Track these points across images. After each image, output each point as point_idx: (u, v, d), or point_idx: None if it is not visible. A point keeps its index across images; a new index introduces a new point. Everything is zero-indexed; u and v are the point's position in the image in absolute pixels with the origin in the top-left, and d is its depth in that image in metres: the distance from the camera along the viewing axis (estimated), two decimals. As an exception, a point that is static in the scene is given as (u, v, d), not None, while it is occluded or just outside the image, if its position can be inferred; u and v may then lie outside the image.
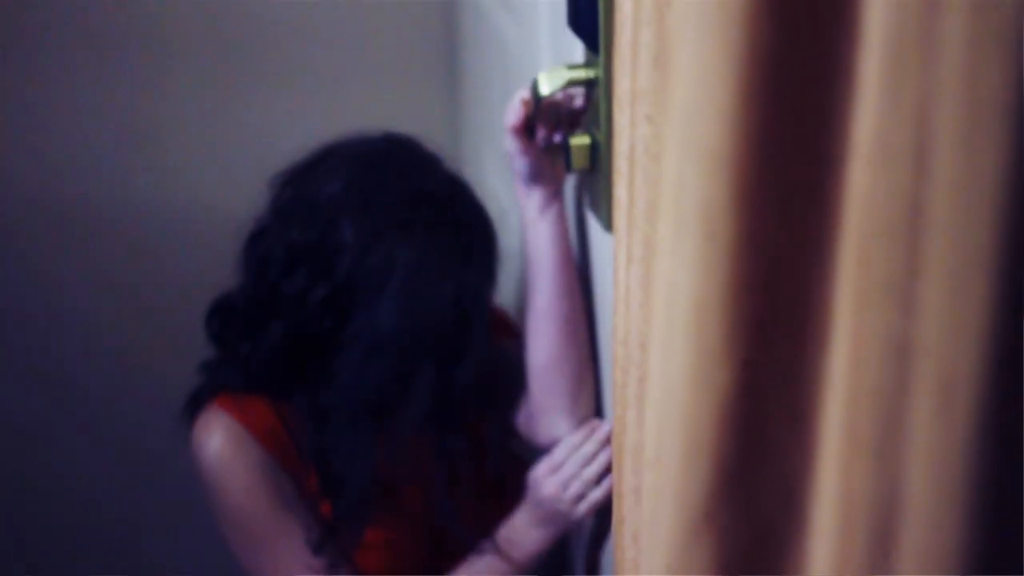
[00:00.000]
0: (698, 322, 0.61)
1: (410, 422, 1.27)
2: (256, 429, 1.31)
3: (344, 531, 1.30)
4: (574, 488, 1.26)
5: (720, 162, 0.59)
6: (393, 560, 1.36)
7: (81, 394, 2.28)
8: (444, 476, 1.34)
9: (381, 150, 1.35)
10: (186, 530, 2.32)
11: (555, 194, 1.22)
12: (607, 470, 1.26)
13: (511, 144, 1.19)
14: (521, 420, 1.32)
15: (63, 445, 2.31)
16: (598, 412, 1.25)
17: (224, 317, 1.37)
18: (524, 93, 1.16)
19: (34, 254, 2.17)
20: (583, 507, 1.26)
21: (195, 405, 1.35)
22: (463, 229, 1.30)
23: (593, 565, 1.37)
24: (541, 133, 1.18)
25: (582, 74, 1.10)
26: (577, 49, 1.14)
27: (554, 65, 1.16)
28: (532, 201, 1.22)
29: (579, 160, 1.13)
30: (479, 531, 1.34)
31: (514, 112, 1.18)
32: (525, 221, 1.23)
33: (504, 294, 1.50)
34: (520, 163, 1.20)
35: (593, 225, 1.21)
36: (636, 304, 0.79)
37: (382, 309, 1.25)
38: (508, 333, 1.44)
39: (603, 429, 1.26)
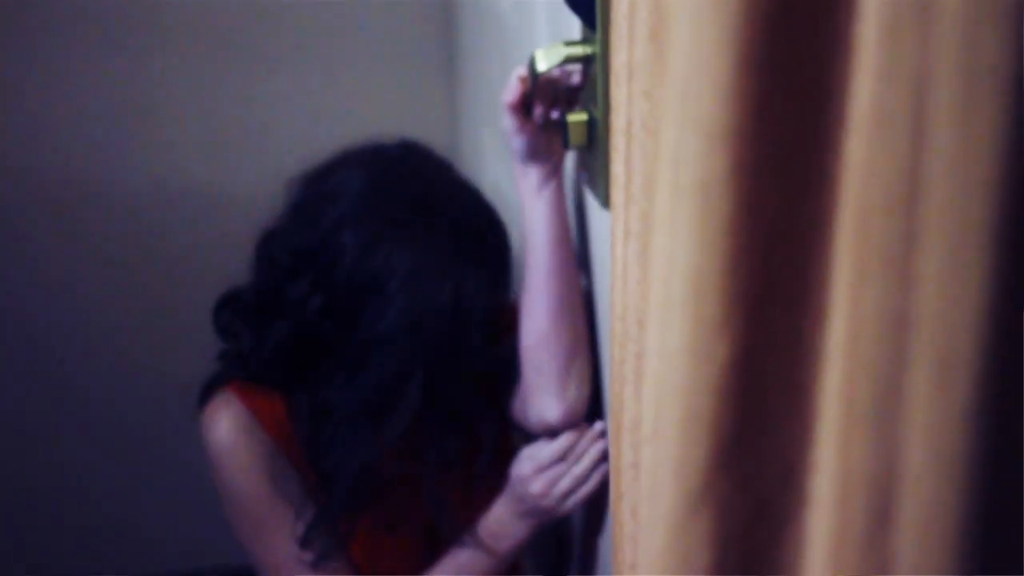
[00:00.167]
0: (696, 297, 0.61)
1: (401, 423, 1.28)
2: (265, 417, 1.33)
3: (329, 526, 1.31)
4: (563, 485, 1.27)
5: (717, 136, 0.58)
6: (387, 557, 1.37)
7: (73, 368, 2.28)
8: (437, 476, 1.35)
9: (393, 157, 1.37)
10: (186, 526, 2.34)
11: (553, 172, 1.21)
12: (595, 465, 1.27)
13: (508, 122, 1.19)
14: (515, 404, 1.33)
15: (56, 421, 2.31)
16: (596, 389, 1.25)
17: (232, 311, 1.38)
18: (521, 70, 1.16)
19: (29, 231, 2.17)
20: (571, 503, 1.28)
21: (209, 391, 1.37)
22: (468, 234, 1.30)
23: (590, 543, 1.38)
24: (538, 110, 1.18)
25: (579, 51, 1.10)
26: (574, 26, 1.14)
27: (551, 42, 1.15)
28: (529, 179, 1.21)
29: (576, 137, 1.13)
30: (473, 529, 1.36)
31: (511, 89, 1.17)
32: (523, 199, 1.23)
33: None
34: (517, 141, 1.20)
35: (591, 202, 1.20)
36: (634, 280, 0.79)
37: (378, 312, 1.26)
38: None
39: (594, 429, 1.27)
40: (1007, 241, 0.47)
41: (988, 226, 0.47)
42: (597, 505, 1.33)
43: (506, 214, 1.43)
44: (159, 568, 2.39)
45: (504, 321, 1.31)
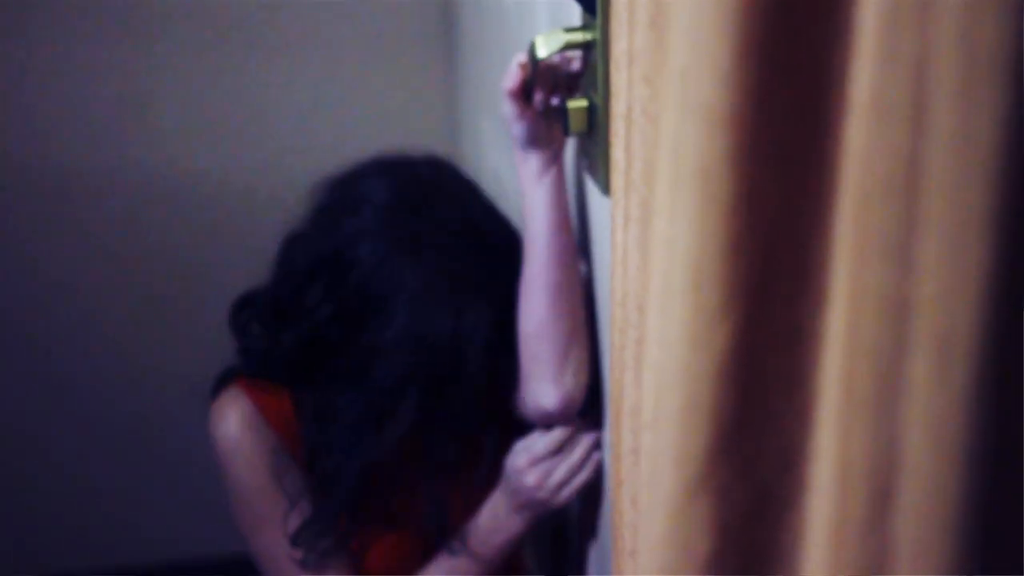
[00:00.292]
0: (696, 283, 0.61)
1: (398, 432, 1.29)
2: (272, 415, 1.34)
3: (324, 526, 1.31)
4: (557, 476, 1.28)
5: (717, 122, 0.58)
6: (385, 556, 1.38)
7: (70, 358, 2.28)
8: (436, 481, 1.36)
9: (419, 174, 1.37)
10: (184, 516, 2.34)
11: (553, 159, 1.21)
12: (588, 454, 1.29)
13: (508, 108, 1.19)
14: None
15: (52, 413, 2.31)
16: (595, 375, 1.25)
17: (249, 313, 1.38)
18: (521, 57, 1.15)
19: (27, 220, 2.17)
20: (565, 493, 1.29)
21: (220, 385, 1.38)
22: (485, 259, 1.30)
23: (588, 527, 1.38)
24: (538, 96, 1.17)
25: (579, 37, 1.09)
26: (574, 12, 1.14)
27: (551, 28, 1.15)
28: (529, 166, 1.21)
29: (576, 123, 1.13)
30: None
31: (511, 76, 1.17)
32: (523, 186, 1.22)
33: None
34: (518, 127, 1.20)
35: (591, 189, 1.20)
36: (634, 266, 0.79)
37: (382, 325, 1.27)
38: None
39: (589, 437, 1.29)
40: (1007, 226, 0.47)
41: (988, 211, 0.47)
42: (593, 495, 1.33)
43: (506, 201, 1.43)
44: (157, 557, 2.39)
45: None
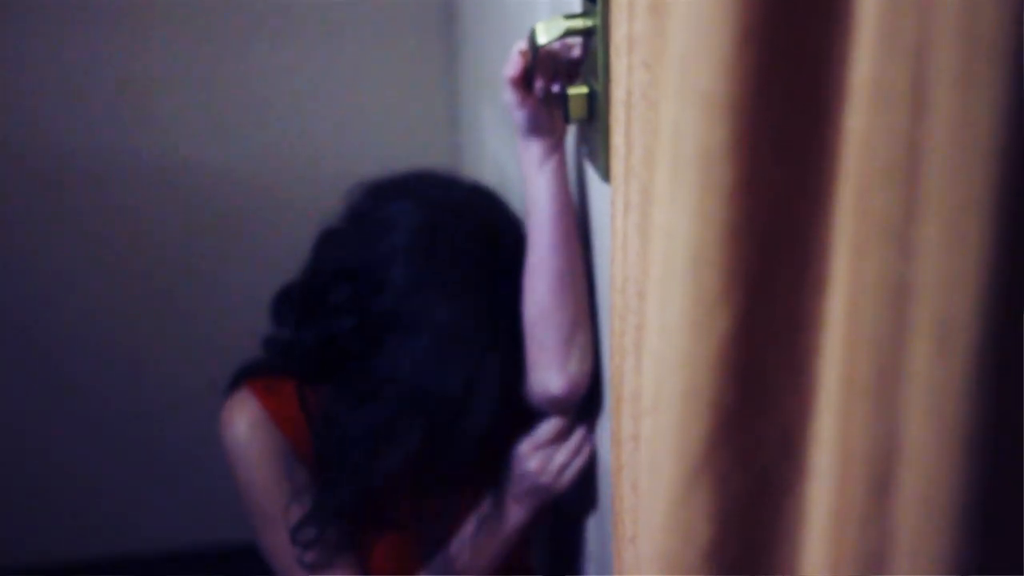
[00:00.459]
0: (696, 269, 0.61)
1: (397, 461, 1.31)
2: (279, 417, 1.35)
3: (321, 526, 1.32)
4: (559, 459, 1.30)
5: (717, 107, 0.58)
6: (389, 560, 1.38)
7: (69, 346, 2.29)
8: (437, 492, 1.36)
9: (462, 201, 1.38)
10: (184, 505, 2.35)
11: (554, 146, 1.21)
12: (585, 436, 1.31)
13: (509, 96, 1.19)
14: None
15: (51, 404, 2.31)
16: (596, 361, 1.26)
17: (289, 302, 1.40)
18: (522, 44, 1.15)
19: (25, 207, 2.17)
20: (567, 476, 1.31)
21: (232, 385, 1.40)
22: (509, 291, 1.30)
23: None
24: (539, 84, 1.17)
25: (579, 23, 1.09)
26: (574, -1, 1.14)
27: (552, 15, 1.15)
28: (531, 153, 1.21)
29: (577, 110, 1.13)
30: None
31: (512, 63, 1.17)
32: (525, 174, 1.22)
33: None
34: (519, 115, 1.20)
35: (591, 176, 1.20)
36: (633, 252, 0.79)
37: (398, 353, 1.29)
38: None
39: (583, 424, 1.31)
40: (1007, 212, 0.47)
41: (988, 196, 0.47)
42: (590, 483, 1.34)
43: (509, 189, 1.43)
44: (158, 547, 2.40)
45: None
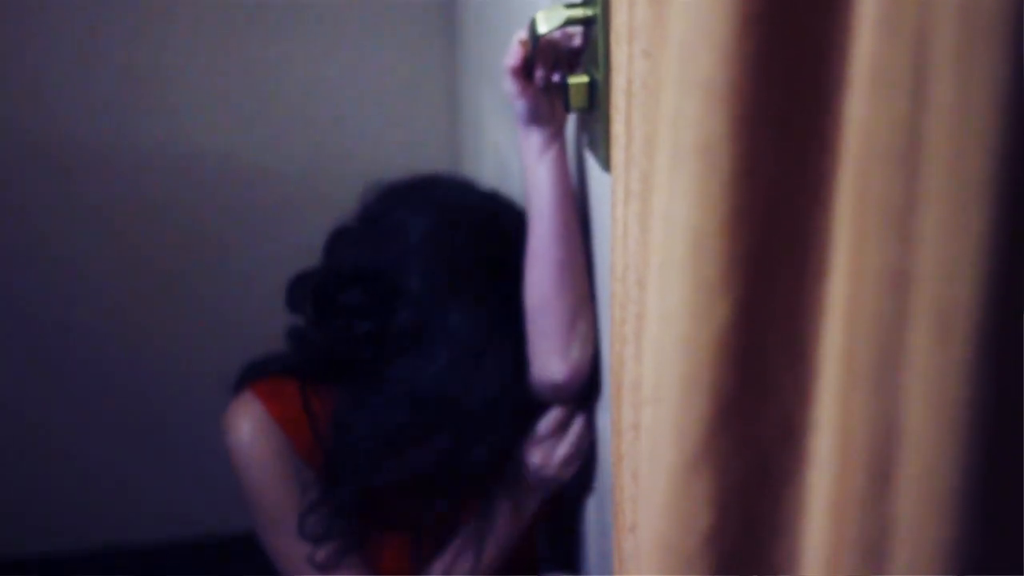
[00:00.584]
0: (695, 256, 0.61)
1: (405, 473, 1.31)
2: (284, 419, 1.35)
3: (321, 522, 1.32)
4: (561, 451, 1.31)
5: (717, 95, 0.58)
6: (397, 560, 1.39)
7: (76, 335, 2.29)
8: (445, 494, 1.37)
9: (484, 211, 1.38)
10: (185, 495, 2.35)
11: (555, 136, 1.21)
12: (585, 425, 1.31)
13: (510, 85, 1.19)
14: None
15: (54, 393, 2.31)
16: (596, 351, 1.26)
17: (302, 292, 1.39)
18: (522, 33, 1.15)
19: (32, 194, 2.17)
20: (571, 467, 1.32)
21: (239, 384, 1.40)
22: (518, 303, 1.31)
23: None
24: (539, 73, 1.17)
25: (580, 13, 1.09)
26: (575, -13, 1.13)
27: (552, 4, 1.15)
28: (532, 142, 1.21)
29: (577, 99, 1.13)
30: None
31: (513, 53, 1.17)
32: (525, 163, 1.22)
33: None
34: (519, 104, 1.20)
35: (592, 165, 1.20)
36: (633, 240, 0.79)
37: (416, 366, 1.29)
38: None
39: (583, 413, 1.31)
40: (1007, 198, 0.47)
41: (988, 183, 0.47)
42: (590, 472, 1.34)
43: (508, 179, 1.43)
44: (158, 536, 2.41)
45: None
